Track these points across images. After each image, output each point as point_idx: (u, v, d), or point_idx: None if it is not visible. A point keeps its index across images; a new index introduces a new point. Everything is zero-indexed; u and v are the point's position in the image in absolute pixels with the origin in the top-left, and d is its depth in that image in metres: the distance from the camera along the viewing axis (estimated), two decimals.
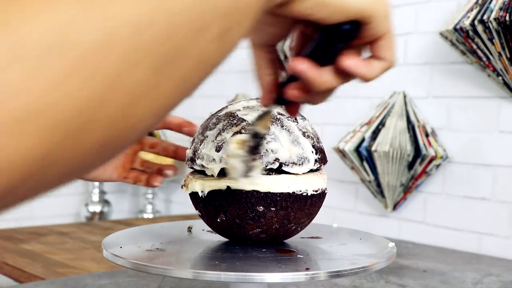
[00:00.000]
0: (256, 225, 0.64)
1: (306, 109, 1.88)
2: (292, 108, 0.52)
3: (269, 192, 0.63)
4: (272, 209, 0.64)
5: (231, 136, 0.63)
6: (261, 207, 0.63)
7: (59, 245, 1.43)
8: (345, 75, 0.46)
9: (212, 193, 0.65)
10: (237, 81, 2.08)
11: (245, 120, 0.65)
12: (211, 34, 0.30)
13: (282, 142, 0.64)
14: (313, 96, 0.47)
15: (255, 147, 0.55)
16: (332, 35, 0.43)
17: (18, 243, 1.44)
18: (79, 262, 1.26)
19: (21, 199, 0.27)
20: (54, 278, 1.11)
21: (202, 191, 0.65)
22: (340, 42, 0.44)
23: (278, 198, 0.63)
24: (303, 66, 0.44)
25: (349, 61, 0.45)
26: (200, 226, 0.76)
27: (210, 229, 0.74)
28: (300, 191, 0.64)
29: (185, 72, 0.30)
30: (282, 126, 0.65)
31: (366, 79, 0.46)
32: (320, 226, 0.79)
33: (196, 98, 2.14)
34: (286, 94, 0.47)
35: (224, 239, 0.71)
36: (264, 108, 0.52)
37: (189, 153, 0.68)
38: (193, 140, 0.68)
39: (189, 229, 0.77)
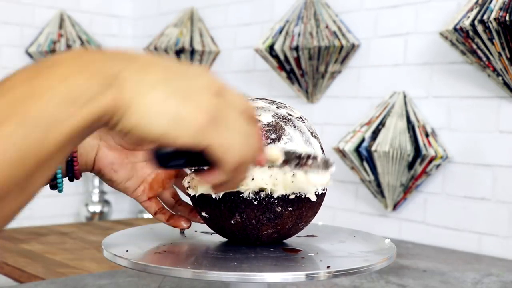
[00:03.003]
0: (272, 225, 0.64)
1: (306, 109, 1.86)
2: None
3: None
4: (289, 209, 0.64)
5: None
6: (279, 208, 0.64)
7: (59, 245, 1.43)
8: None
9: (228, 194, 0.64)
10: (237, 81, 2.08)
11: (260, 121, 0.64)
12: None
13: (297, 143, 0.64)
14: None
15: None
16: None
17: (18, 243, 1.44)
18: (79, 262, 1.26)
19: None
20: (54, 278, 1.11)
21: (216, 193, 0.64)
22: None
23: (296, 199, 0.64)
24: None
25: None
26: (193, 227, 0.75)
27: (203, 230, 0.74)
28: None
29: None
30: (295, 127, 0.65)
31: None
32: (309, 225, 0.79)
33: None
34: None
35: (223, 239, 0.70)
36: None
37: None
38: None
39: (182, 230, 0.75)
